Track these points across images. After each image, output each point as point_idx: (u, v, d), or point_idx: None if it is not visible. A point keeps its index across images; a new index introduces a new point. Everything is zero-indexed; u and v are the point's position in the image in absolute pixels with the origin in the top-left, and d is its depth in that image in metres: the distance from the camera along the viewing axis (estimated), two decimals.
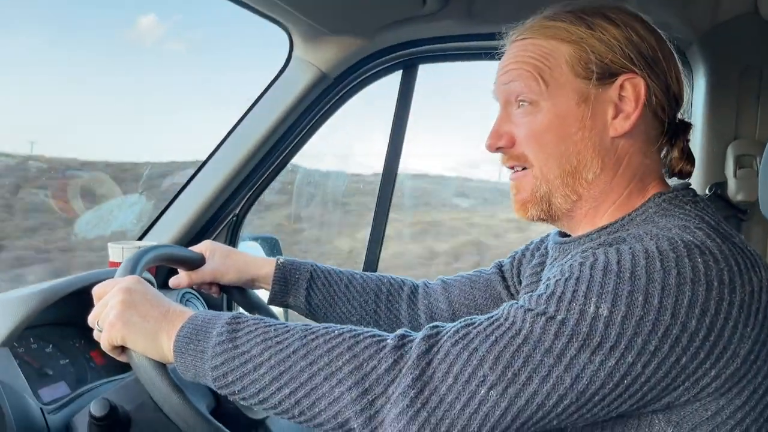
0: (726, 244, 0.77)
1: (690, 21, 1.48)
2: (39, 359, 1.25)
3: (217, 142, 1.68)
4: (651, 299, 0.71)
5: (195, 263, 1.25)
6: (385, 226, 1.82)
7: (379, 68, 1.65)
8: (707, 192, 1.53)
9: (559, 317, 0.73)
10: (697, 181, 1.55)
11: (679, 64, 0.93)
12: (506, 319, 0.76)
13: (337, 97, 1.66)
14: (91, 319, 0.95)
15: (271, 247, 1.93)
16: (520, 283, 1.18)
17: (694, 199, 0.88)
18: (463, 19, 1.52)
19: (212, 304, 1.60)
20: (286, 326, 0.85)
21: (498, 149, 0.95)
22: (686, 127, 0.95)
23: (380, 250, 1.82)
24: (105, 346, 0.93)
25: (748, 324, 0.74)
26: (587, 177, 0.90)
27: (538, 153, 0.91)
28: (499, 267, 1.25)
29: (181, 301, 1.52)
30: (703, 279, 0.72)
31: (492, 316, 0.78)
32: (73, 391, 1.24)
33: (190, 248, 1.26)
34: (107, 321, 0.91)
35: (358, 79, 1.65)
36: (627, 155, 0.90)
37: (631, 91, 0.88)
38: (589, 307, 0.72)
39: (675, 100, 0.91)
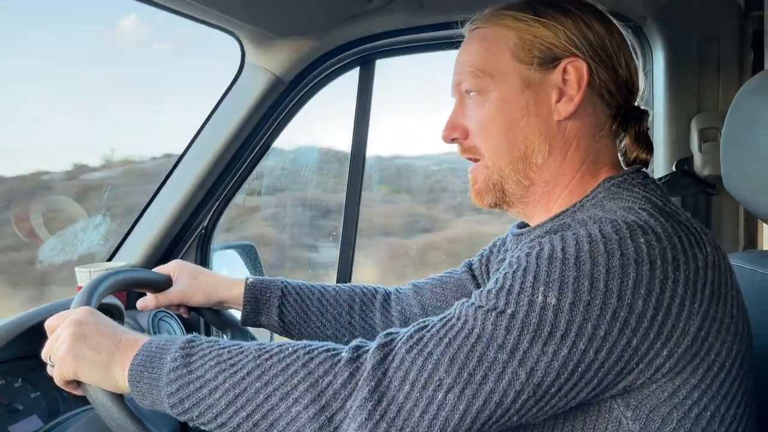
0: (669, 222, 0.77)
1: None
2: (7, 395, 1.24)
3: (178, 156, 1.66)
4: (597, 283, 0.71)
5: (160, 286, 1.23)
6: (355, 236, 1.79)
7: (334, 67, 1.63)
8: (674, 168, 1.51)
9: (509, 311, 0.73)
10: (663, 157, 1.54)
11: (634, 54, 0.94)
12: (458, 319, 0.77)
13: (295, 100, 1.64)
14: (44, 354, 0.94)
15: (247, 253, 1.91)
16: (489, 279, 1.17)
17: (643, 181, 0.88)
18: (414, 11, 1.49)
19: (188, 323, 1.59)
20: (241, 347, 0.83)
21: (453, 140, 0.97)
22: (641, 113, 0.94)
23: (352, 264, 1.80)
24: (58, 381, 0.92)
25: (695, 300, 0.74)
26: (536, 161, 0.91)
27: (487, 143, 0.93)
28: (469, 266, 1.25)
29: (153, 321, 1.51)
30: (647, 259, 0.73)
31: (444, 317, 0.78)
32: (45, 424, 1.24)
33: (156, 269, 1.25)
34: (58, 355, 0.90)
35: (315, 80, 1.62)
36: (575, 138, 0.91)
37: (574, 74, 0.89)
38: (537, 297, 0.73)
39: (626, 86, 0.92)
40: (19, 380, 1.28)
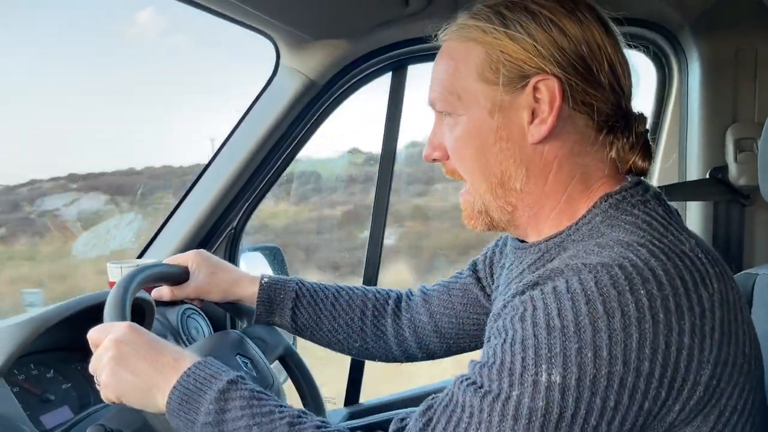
0: (672, 260, 0.72)
1: (681, 6, 1.45)
2: (40, 385, 1.25)
3: (211, 155, 1.68)
4: (600, 352, 0.68)
5: (178, 279, 1.24)
6: (383, 232, 1.80)
7: (367, 72, 1.64)
8: (707, 176, 1.50)
9: (514, 394, 0.70)
10: (697, 165, 1.53)
11: (620, 50, 0.85)
12: (463, 409, 0.73)
13: (327, 103, 1.65)
14: (91, 370, 0.95)
15: (274, 256, 1.92)
16: (494, 282, 1.14)
17: (643, 197, 0.83)
18: (449, 17, 1.49)
19: (214, 320, 1.59)
20: (273, 416, 0.84)
21: (434, 160, 0.93)
22: (630, 117, 0.86)
23: (379, 266, 1.81)
24: (106, 401, 0.94)
25: (703, 348, 0.71)
26: (515, 187, 0.86)
27: (462, 167, 0.89)
28: (474, 268, 1.23)
29: (182, 319, 1.52)
30: (648, 314, 0.69)
31: (447, 405, 0.75)
32: (76, 415, 1.25)
33: (174, 257, 1.25)
34: (101, 379, 0.92)
35: (348, 84, 1.63)
36: (555, 159, 0.85)
37: (546, 93, 0.82)
38: (541, 377, 0.69)
39: (612, 91, 0.83)
40: (52, 371, 1.30)
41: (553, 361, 0.69)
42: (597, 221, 0.82)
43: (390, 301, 1.27)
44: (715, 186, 1.47)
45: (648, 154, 0.88)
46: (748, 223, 1.50)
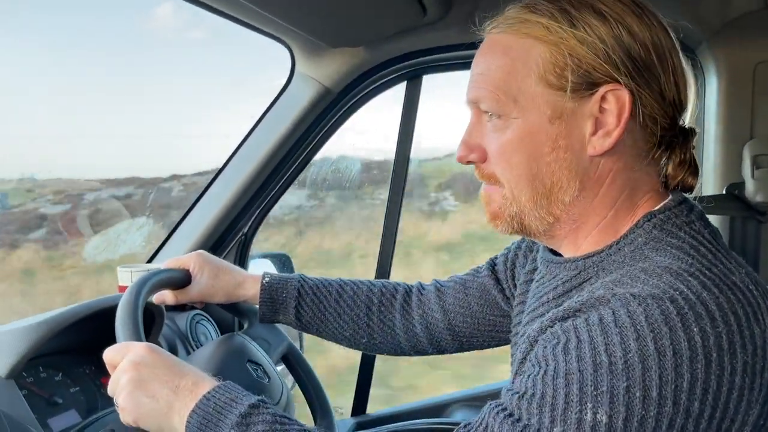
0: (724, 294, 0.69)
1: (699, 20, 1.45)
2: (48, 388, 1.25)
3: (224, 160, 1.68)
4: (649, 392, 0.64)
5: (181, 283, 1.21)
6: (396, 233, 1.81)
7: (382, 80, 1.64)
8: (724, 192, 1.49)
9: (555, 431, 0.66)
10: (713, 181, 1.52)
11: (683, 61, 0.81)
12: None
13: (341, 111, 1.65)
14: (110, 392, 0.93)
15: (283, 263, 1.91)
16: (515, 286, 1.10)
17: (688, 219, 0.79)
18: (465, 27, 1.47)
19: (223, 325, 1.59)
20: None
21: (469, 162, 0.87)
22: (688, 133, 0.83)
23: (392, 258, 1.82)
24: (123, 423, 0.91)
25: (753, 388, 0.68)
26: (564, 199, 0.81)
27: (507, 173, 0.83)
28: (492, 267, 1.18)
29: (190, 324, 1.51)
30: (701, 353, 0.65)
31: None
32: (83, 419, 1.24)
33: (175, 260, 1.22)
34: (119, 401, 0.89)
35: (362, 93, 1.63)
36: (610, 173, 0.81)
37: (614, 104, 0.77)
38: (585, 415, 0.65)
39: (672, 105, 0.80)
40: (60, 374, 1.29)
41: (599, 399, 0.65)
42: (640, 242, 0.78)
43: (398, 296, 1.24)
44: (731, 201, 1.46)
45: (696, 171, 0.84)
46: (764, 239, 1.49)
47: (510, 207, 0.84)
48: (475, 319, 1.18)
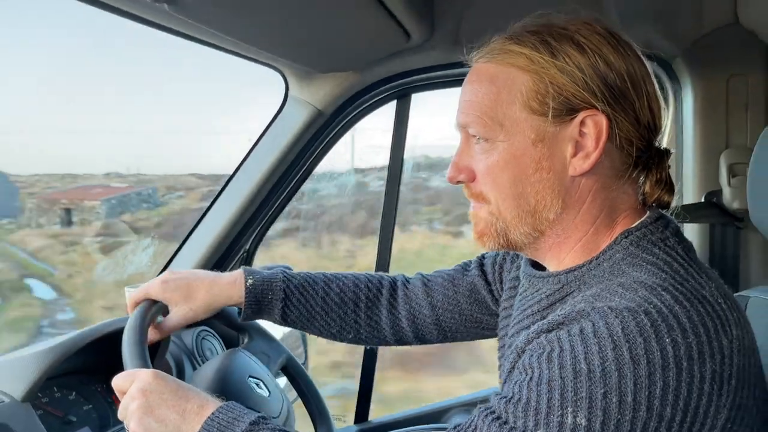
0: (695, 307, 0.74)
1: (673, 35, 1.50)
2: (63, 408, 1.31)
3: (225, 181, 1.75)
4: (625, 398, 0.70)
5: (157, 317, 1.19)
6: (393, 231, 1.88)
7: (372, 101, 1.70)
8: (703, 200, 1.54)
9: None
10: (692, 190, 1.57)
11: (656, 87, 0.87)
12: None
13: (334, 132, 1.71)
14: (120, 417, 0.98)
15: None
16: (502, 289, 1.15)
17: (663, 235, 0.84)
18: (450, 47, 1.56)
19: (227, 339, 1.65)
20: None
21: (459, 182, 0.93)
22: (663, 154, 0.89)
23: (390, 254, 1.88)
24: None
25: (722, 394, 0.73)
26: (548, 216, 0.87)
27: (494, 192, 0.88)
28: (481, 266, 1.22)
29: (196, 341, 1.58)
30: (673, 363, 0.70)
31: None
32: None
33: (144, 289, 1.16)
34: (130, 427, 0.94)
35: (353, 113, 1.69)
36: (590, 192, 0.86)
37: (593, 128, 0.82)
38: (566, 418, 0.71)
39: (647, 128, 0.85)
40: (73, 393, 1.36)
41: (579, 404, 0.70)
42: (618, 258, 0.83)
43: (384, 290, 1.25)
44: (710, 209, 1.51)
45: (672, 189, 0.90)
46: (743, 245, 1.54)
47: (496, 223, 0.89)
48: (463, 316, 1.21)
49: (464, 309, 1.21)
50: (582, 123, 0.83)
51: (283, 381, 1.45)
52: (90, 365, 1.39)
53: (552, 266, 0.92)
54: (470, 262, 1.24)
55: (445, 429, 1.79)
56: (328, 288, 1.22)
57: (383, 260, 1.89)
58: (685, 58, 1.52)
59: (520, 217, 0.88)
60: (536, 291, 0.93)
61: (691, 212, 1.50)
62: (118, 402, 1.40)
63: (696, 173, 1.54)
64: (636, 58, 0.86)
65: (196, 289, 1.16)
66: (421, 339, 1.26)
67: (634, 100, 0.84)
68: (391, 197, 1.86)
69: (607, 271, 0.83)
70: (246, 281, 1.17)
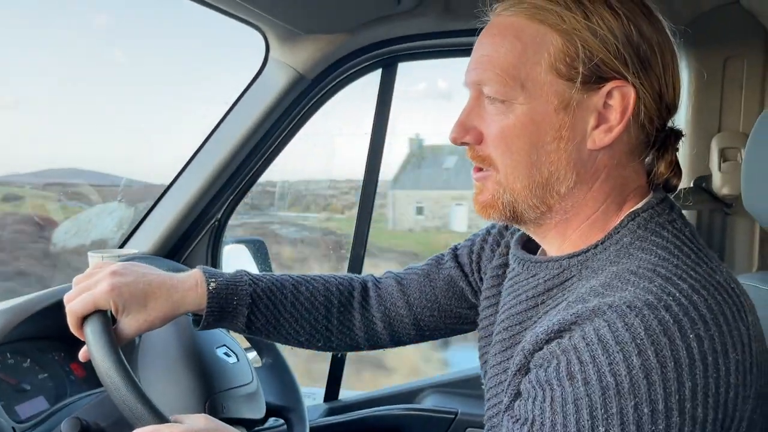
0: (712, 296, 0.70)
1: (670, 12, 1.44)
2: (16, 375, 1.24)
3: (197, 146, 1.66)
4: (656, 405, 0.65)
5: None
6: (369, 226, 1.81)
7: (357, 68, 1.63)
8: (692, 185, 1.51)
9: None
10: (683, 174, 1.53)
11: (678, 65, 0.82)
12: None
13: (315, 98, 1.64)
14: None
15: (258, 249, 1.91)
16: (481, 279, 1.09)
17: (670, 217, 0.80)
18: (440, 15, 1.49)
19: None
20: None
21: (463, 143, 0.85)
22: (676, 136, 0.84)
23: (364, 251, 1.81)
24: None
25: (746, 384, 0.69)
26: (559, 190, 0.81)
27: (505, 158, 0.81)
28: (455, 258, 1.14)
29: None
30: (698, 359, 0.66)
31: None
32: (52, 406, 1.24)
33: (93, 302, 0.94)
34: None
35: (337, 80, 1.62)
36: (605, 168, 0.81)
37: (619, 101, 0.77)
38: None
39: (667, 109, 0.81)
40: (28, 361, 1.29)
41: (610, 421, 0.65)
42: (626, 242, 0.78)
43: (355, 293, 1.16)
44: (699, 194, 1.48)
45: (680, 172, 0.86)
46: (729, 231, 1.52)
47: (503, 195, 0.83)
48: (441, 312, 1.14)
49: (442, 304, 1.14)
50: (608, 94, 0.78)
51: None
52: (47, 331, 1.31)
53: (553, 246, 0.87)
54: (443, 255, 1.17)
55: (415, 409, 1.78)
56: (297, 292, 1.10)
57: (357, 255, 1.82)
58: (682, 37, 1.47)
59: (530, 188, 0.81)
60: (532, 276, 0.87)
61: (679, 198, 1.47)
62: (78, 371, 1.35)
63: (687, 157, 1.51)
64: (665, 32, 0.80)
65: (153, 296, 0.98)
66: (396, 341, 1.17)
67: (661, 75, 0.79)
68: (372, 174, 1.79)
69: (613, 255, 0.78)
70: (208, 284, 1.01)
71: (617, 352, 0.66)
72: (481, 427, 0.94)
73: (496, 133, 0.81)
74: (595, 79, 0.77)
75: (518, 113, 0.79)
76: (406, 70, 1.74)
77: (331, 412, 1.83)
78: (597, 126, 0.79)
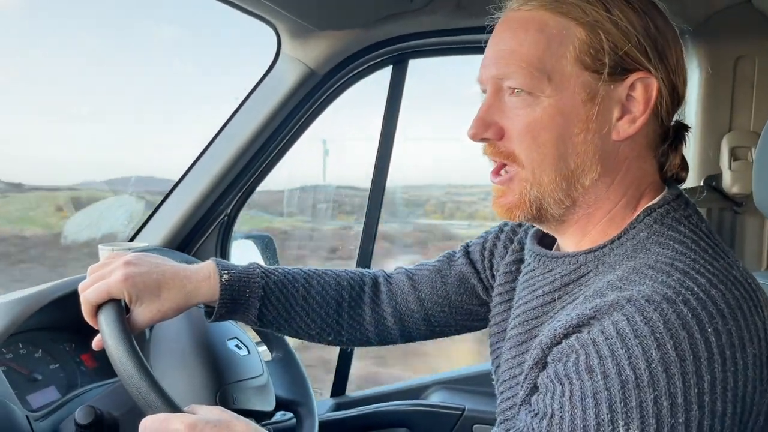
0: (730, 290, 0.70)
1: (683, 11, 1.46)
2: (28, 365, 1.25)
3: (207, 141, 1.67)
4: (676, 399, 0.65)
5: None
6: (377, 222, 1.81)
7: (368, 64, 1.63)
8: (702, 184, 1.52)
9: None
10: (692, 173, 1.54)
11: (684, 58, 0.84)
12: None
13: (326, 94, 1.64)
14: None
15: (266, 244, 1.91)
16: (493, 276, 1.09)
17: (686, 213, 0.80)
18: (452, 12, 1.50)
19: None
20: None
21: (483, 140, 0.84)
22: (685, 129, 0.86)
23: (373, 246, 1.81)
24: None
25: (763, 378, 0.70)
26: (584, 182, 0.81)
27: (532, 152, 0.81)
28: (467, 255, 1.15)
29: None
30: (717, 353, 0.66)
31: None
32: (63, 396, 1.24)
33: (107, 291, 0.95)
34: None
35: (348, 76, 1.63)
36: (627, 160, 0.82)
37: (642, 92, 0.78)
38: (618, 431, 0.66)
39: (678, 101, 0.83)
40: (40, 351, 1.29)
41: (630, 415, 0.65)
42: (642, 237, 0.79)
43: (366, 288, 1.16)
44: (709, 193, 1.49)
45: (687, 165, 0.87)
46: (739, 230, 1.52)
47: (531, 191, 0.82)
48: (452, 309, 1.15)
49: (453, 301, 1.14)
50: (631, 86, 0.79)
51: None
52: (59, 322, 1.32)
53: (572, 242, 0.87)
54: (455, 252, 1.18)
55: (422, 405, 1.78)
56: (309, 285, 1.11)
57: (365, 251, 1.82)
58: (694, 36, 1.49)
59: (557, 181, 0.81)
60: (549, 271, 0.87)
61: (689, 196, 1.48)
62: (88, 362, 1.35)
63: (697, 156, 1.51)
64: (673, 27, 0.83)
65: (167, 287, 0.98)
66: (407, 337, 1.18)
67: (675, 68, 0.80)
68: (382, 169, 1.80)
69: (630, 250, 0.78)
70: (221, 276, 1.02)
71: (636, 346, 0.66)
72: (489, 423, 0.95)
73: (522, 127, 0.81)
74: (620, 70, 0.78)
75: (545, 105, 0.80)
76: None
77: (338, 407, 1.83)
78: (621, 117, 0.80)
